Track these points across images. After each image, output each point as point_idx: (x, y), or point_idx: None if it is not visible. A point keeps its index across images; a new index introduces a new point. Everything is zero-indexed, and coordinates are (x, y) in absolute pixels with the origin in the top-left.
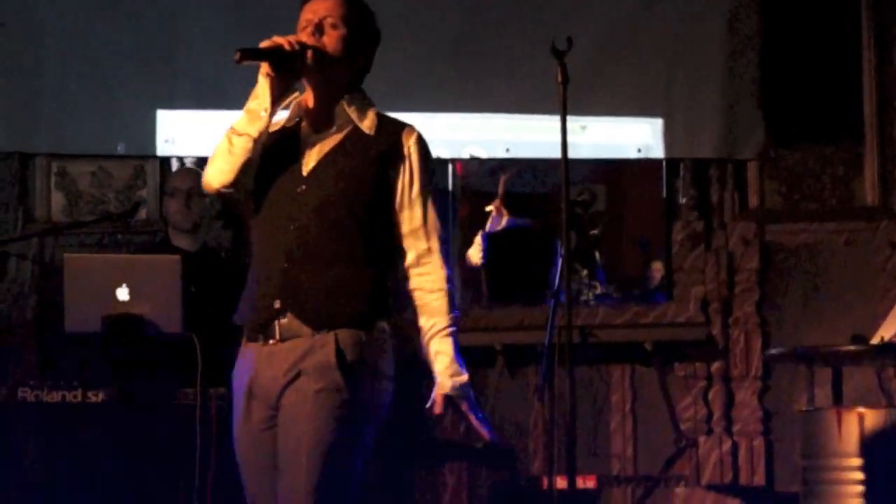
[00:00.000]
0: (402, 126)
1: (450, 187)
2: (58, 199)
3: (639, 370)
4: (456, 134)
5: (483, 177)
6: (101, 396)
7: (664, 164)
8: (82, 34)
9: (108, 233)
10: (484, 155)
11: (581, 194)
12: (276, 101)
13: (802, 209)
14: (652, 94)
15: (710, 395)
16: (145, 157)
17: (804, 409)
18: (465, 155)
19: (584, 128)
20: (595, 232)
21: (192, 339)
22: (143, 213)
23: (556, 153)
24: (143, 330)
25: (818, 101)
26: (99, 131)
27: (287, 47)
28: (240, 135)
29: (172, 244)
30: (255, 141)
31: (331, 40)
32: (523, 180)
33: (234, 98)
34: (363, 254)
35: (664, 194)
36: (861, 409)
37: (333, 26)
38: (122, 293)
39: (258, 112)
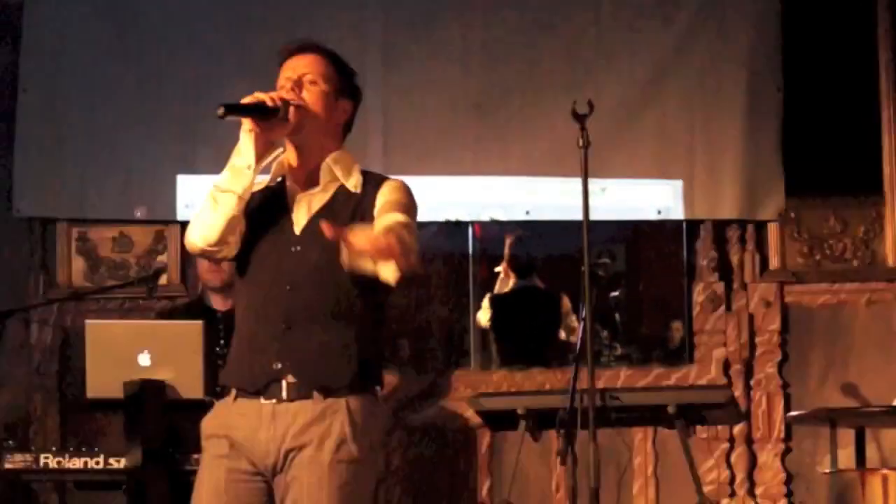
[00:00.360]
0: (385, 178)
1: (469, 250)
2: (79, 264)
3: (661, 433)
4: (476, 196)
5: (502, 239)
6: (123, 463)
7: (684, 225)
8: (103, 100)
9: (130, 298)
10: (504, 217)
11: (601, 256)
12: (260, 157)
13: (823, 270)
14: (672, 155)
15: (733, 458)
16: (166, 221)
17: (827, 471)
18: (485, 218)
19: (604, 190)
20: (616, 294)
21: (214, 404)
22: (164, 279)
23: (577, 215)
24: (164, 395)
25: (838, 161)
26: (120, 196)
27: (269, 103)
28: (224, 192)
29: (203, 305)
30: (240, 198)
31: (311, 97)
32: (542, 242)
33: None
34: (360, 312)
35: (685, 256)
36: (885, 471)
37: (313, 83)
38: (144, 359)
39: (242, 168)
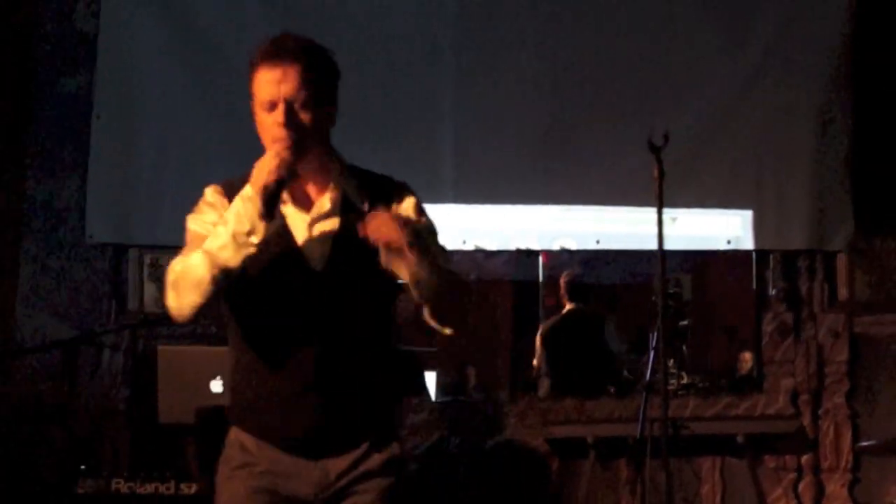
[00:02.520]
0: (388, 180)
1: (539, 278)
2: (151, 290)
3: (729, 462)
4: (546, 226)
5: (571, 266)
6: (193, 489)
7: (754, 255)
8: (176, 127)
9: (201, 324)
10: (574, 247)
11: (671, 286)
12: (269, 228)
13: (892, 300)
14: (742, 186)
15: (801, 488)
16: None
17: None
18: (556, 247)
19: (674, 219)
20: (684, 323)
21: None
22: None
23: (646, 244)
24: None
25: None
26: None
27: (284, 174)
28: (222, 265)
29: None
30: (237, 271)
31: (303, 124)
32: (611, 271)
33: None
34: (387, 348)
35: (754, 286)
36: None
37: (302, 106)
38: (216, 385)
39: (248, 241)
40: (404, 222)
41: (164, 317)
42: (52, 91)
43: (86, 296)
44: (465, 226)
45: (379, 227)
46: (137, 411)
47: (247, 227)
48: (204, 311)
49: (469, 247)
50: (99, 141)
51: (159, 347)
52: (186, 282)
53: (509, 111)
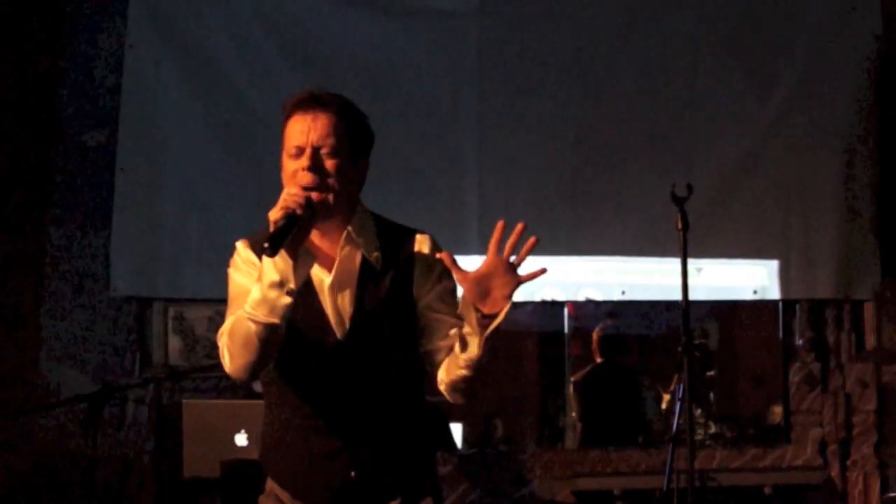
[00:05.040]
0: (409, 233)
1: (565, 329)
2: (175, 343)
3: None
4: (571, 276)
5: (596, 317)
6: None
7: (780, 305)
8: (200, 181)
9: (226, 377)
10: (599, 297)
11: (697, 336)
12: (298, 272)
13: None
14: (768, 236)
15: None
16: None
17: None
18: (581, 298)
19: (699, 270)
20: (711, 374)
21: None
22: None
23: (672, 295)
24: (262, 476)
25: None
26: (216, 276)
27: (300, 211)
28: (264, 324)
29: None
30: (282, 324)
31: (331, 170)
32: (635, 322)
33: None
34: (416, 399)
35: (781, 335)
36: None
37: (331, 155)
38: (241, 438)
39: (281, 293)
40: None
41: (188, 370)
42: (77, 144)
43: (110, 349)
44: None
45: (503, 285)
46: (162, 465)
47: (277, 278)
48: (260, 369)
49: None
50: (122, 194)
51: (184, 401)
52: (235, 344)
53: (533, 163)
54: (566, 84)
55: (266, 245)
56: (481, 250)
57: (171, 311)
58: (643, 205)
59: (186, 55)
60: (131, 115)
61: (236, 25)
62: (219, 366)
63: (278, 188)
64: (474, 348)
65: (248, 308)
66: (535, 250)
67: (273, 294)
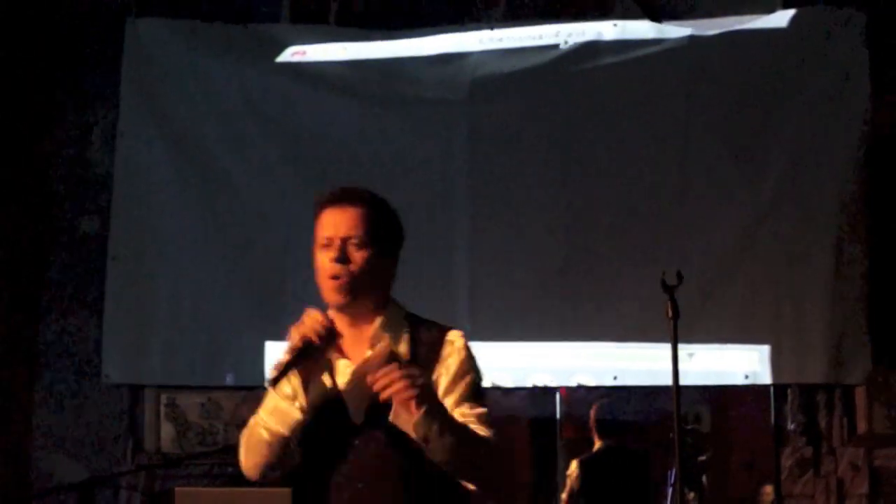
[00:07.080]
0: (441, 333)
1: (557, 414)
2: (167, 430)
3: None
4: (564, 362)
5: (589, 402)
6: None
7: (772, 389)
8: (192, 268)
9: (218, 464)
10: (592, 382)
11: (689, 422)
12: (314, 389)
13: None
14: (759, 321)
15: None
16: (254, 387)
17: None
18: (573, 383)
19: (691, 355)
20: (703, 458)
21: None
22: None
23: (665, 380)
24: None
25: None
26: (208, 363)
27: (316, 340)
28: (274, 431)
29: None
30: (293, 435)
31: (357, 263)
32: (629, 407)
33: None
34: (432, 483)
35: (772, 420)
36: None
37: (359, 247)
38: None
39: (292, 406)
40: (417, 375)
41: (181, 458)
42: (70, 231)
43: (102, 436)
44: (481, 363)
45: (383, 378)
46: None
47: (290, 391)
48: (271, 473)
49: (485, 384)
50: (114, 282)
51: (176, 489)
52: (250, 444)
53: (523, 248)
54: (556, 170)
55: (269, 379)
56: (472, 335)
57: (164, 398)
58: (634, 292)
59: (178, 143)
60: (123, 203)
61: (227, 114)
62: (210, 453)
63: (269, 279)
64: (409, 429)
65: (262, 414)
66: (527, 336)
67: (284, 406)
